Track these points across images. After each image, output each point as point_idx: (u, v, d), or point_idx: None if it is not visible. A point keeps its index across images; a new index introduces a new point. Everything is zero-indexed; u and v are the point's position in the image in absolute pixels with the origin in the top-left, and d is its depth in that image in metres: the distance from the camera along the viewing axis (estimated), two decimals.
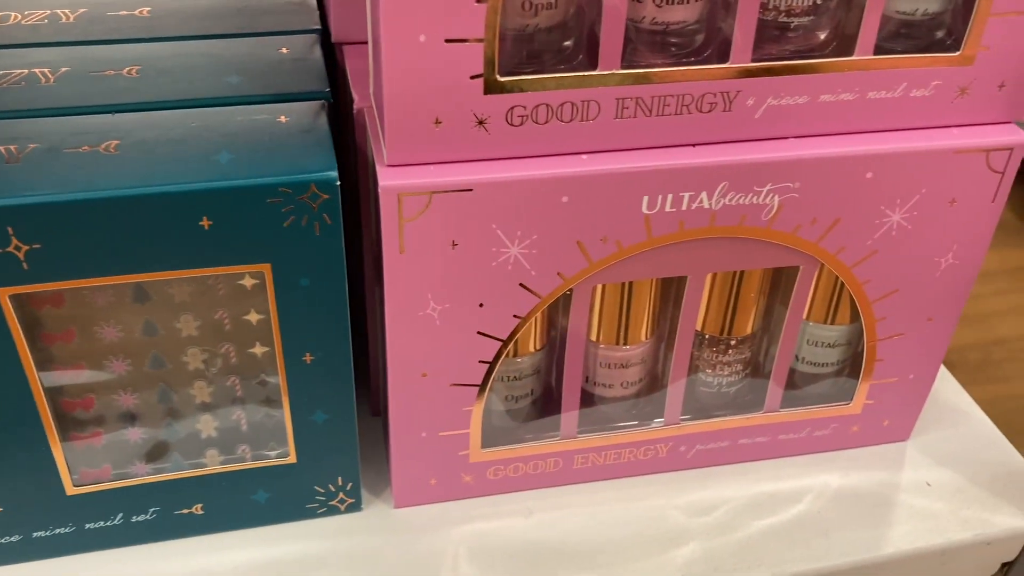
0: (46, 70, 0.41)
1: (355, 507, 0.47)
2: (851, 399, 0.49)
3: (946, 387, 0.56)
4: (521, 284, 0.41)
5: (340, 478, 0.45)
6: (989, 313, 1.90)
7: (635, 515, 0.47)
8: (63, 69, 0.41)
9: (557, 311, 0.45)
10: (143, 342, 0.40)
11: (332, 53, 0.46)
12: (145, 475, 0.43)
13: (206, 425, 0.43)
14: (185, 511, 0.44)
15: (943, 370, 0.56)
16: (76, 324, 0.39)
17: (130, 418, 0.42)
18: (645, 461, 0.49)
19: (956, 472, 0.51)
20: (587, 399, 0.48)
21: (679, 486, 0.49)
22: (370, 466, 0.48)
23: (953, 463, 0.51)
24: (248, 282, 0.39)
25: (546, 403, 0.48)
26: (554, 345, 0.47)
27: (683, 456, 0.49)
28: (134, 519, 0.44)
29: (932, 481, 0.50)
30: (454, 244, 0.39)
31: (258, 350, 0.41)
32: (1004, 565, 0.50)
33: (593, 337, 0.46)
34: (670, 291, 0.45)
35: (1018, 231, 2.07)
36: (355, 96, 0.42)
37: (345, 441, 0.44)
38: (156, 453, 0.43)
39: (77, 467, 0.42)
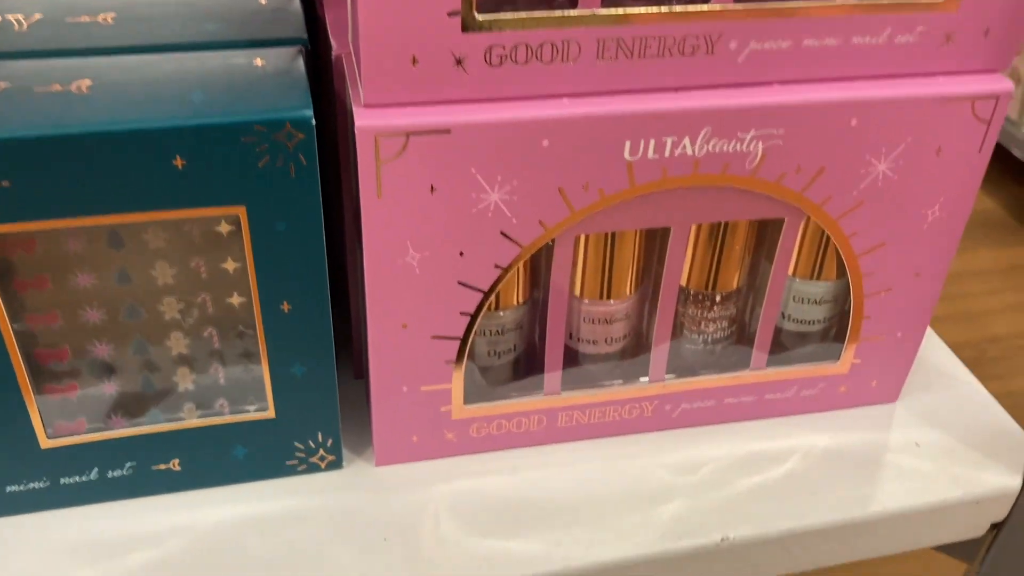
0: (19, 16, 0.40)
1: (336, 465, 0.46)
2: (838, 358, 0.49)
3: (934, 350, 0.55)
4: (502, 232, 0.40)
5: (320, 433, 0.45)
6: (983, 311, 1.90)
7: (620, 473, 0.47)
8: (36, 16, 0.41)
9: (540, 265, 0.44)
10: (118, 290, 0.39)
11: (312, 6, 0.46)
12: (121, 429, 0.42)
13: (183, 378, 0.42)
14: (162, 466, 0.44)
15: (930, 333, 0.56)
16: (49, 271, 0.38)
17: (106, 370, 0.41)
18: (630, 420, 0.48)
19: (945, 433, 0.50)
20: (571, 357, 0.47)
21: (664, 445, 0.48)
22: (352, 428, 0.48)
23: (942, 424, 0.51)
24: (224, 228, 0.39)
25: (529, 361, 0.48)
26: (537, 301, 0.46)
27: (668, 415, 0.49)
28: (110, 474, 0.43)
29: (921, 441, 0.50)
30: (433, 189, 0.38)
31: (235, 300, 0.41)
32: (994, 526, 0.49)
33: (577, 292, 0.45)
34: (654, 246, 0.45)
35: (1011, 230, 2.07)
36: (334, 44, 0.41)
37: (325, 395, 0.43)
38: (132, 406, 0.42)
39: (51, 420, 0.41)
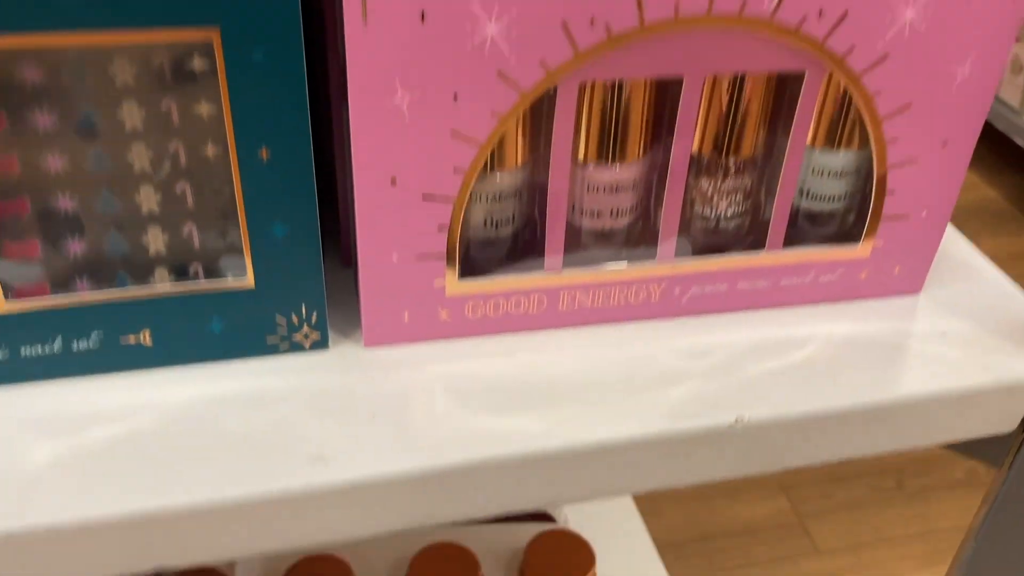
0: None
1: (321, 344, 0.43)
2: (859, 240, 0.46)
3: (956, 245, 0.52)
4: (499, 72, 0.37)
5: (304, 306, 0.41)
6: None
7: (626, 357, 0.44)
8: None
9: (540, 127, 0.41)
10: (82, 134, 0.36)
11: None
12: (87, 293, 0.39)
13: (154, 239, 0.39)
14: (132, 339, 0.40)
15: (951, 228, 0.52)
16: (5, 108, 0.35)
17: (69, 227, 0.38)
18: (636, 306, 0.45)
19: (973, 323, 0.47)
20: (574, 236, 0.44)
21: (674, 331, 0.45)
22: (339, 313, 0.45)
23: (969, 315, 0.47)
24: (197, 64, 0.35)
25: (529, 240, 0.45)
26: (537, 177, 0.43)
27: (677, 300, 0.45)
28: (75, 346, 0.40)
29: (947, 331, 0.46)
30: (423, 16, 0.35)
31: (210, 151, 0.37)
32: None
33: (580, 156, 0.42)
34: (664, 109, 0.42)
35: (1011, 218, 2.05)
36: None
37: (308, 260, 0.40)
38: (99, 270, 0.39)
39: (11, 282, 0.38)
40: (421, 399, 0.41)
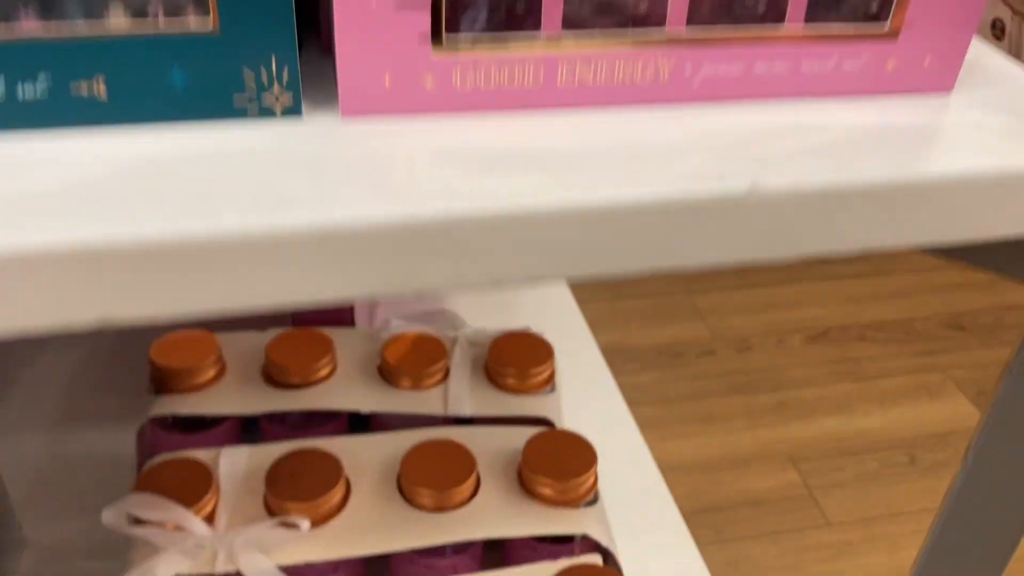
0: None
1: (294, 111, 0.39)
2: (887, 17, 0.42)
3: (986, 54, 0.48)
4: None
5: (273, 59, 0.37)
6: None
7: (631, 134, 0.40)
8: None
9: None
10: None
11: None
12: (33, 24, 0.35)
13: None
14: (84, 88, 0.36)
15: (978, 39, 0.48)
16: None
17: None
18: (643, 85, 0.41)
19: (1011, 118, 0.43)
20: (575, 6, 0.40)
21: (685, 115, 0.41)
22: (316, 91, 0.41)
23: (1007, 111, 0.43)
24: None
25: (524, 13, 0.41)
26: None
27: (688, 82, 0.41)
28: (21, 92, 0.36)
29: (983, 122, 0.42)
30: None
31: None
32: None
33: None
34: None
35: None
36: None
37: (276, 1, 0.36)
38: (46, 3, 0.35)
39: None
40: (403, 161, 0.37)
